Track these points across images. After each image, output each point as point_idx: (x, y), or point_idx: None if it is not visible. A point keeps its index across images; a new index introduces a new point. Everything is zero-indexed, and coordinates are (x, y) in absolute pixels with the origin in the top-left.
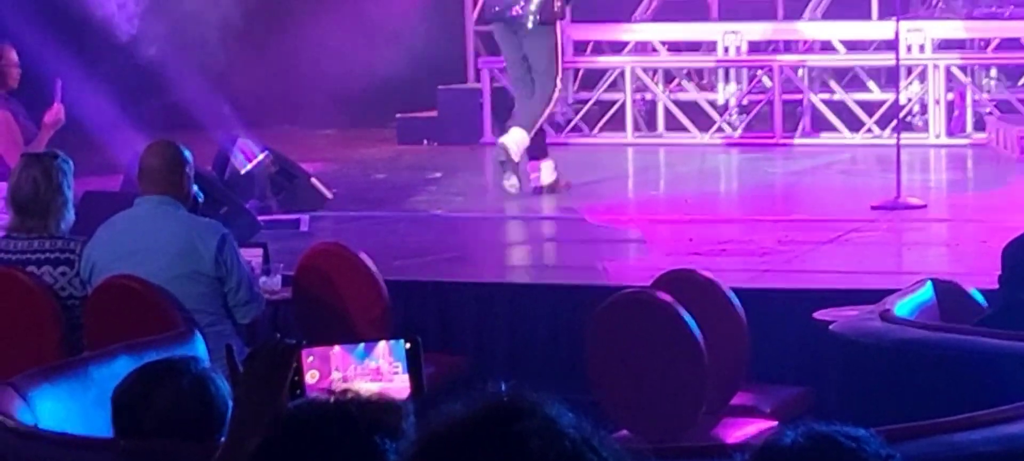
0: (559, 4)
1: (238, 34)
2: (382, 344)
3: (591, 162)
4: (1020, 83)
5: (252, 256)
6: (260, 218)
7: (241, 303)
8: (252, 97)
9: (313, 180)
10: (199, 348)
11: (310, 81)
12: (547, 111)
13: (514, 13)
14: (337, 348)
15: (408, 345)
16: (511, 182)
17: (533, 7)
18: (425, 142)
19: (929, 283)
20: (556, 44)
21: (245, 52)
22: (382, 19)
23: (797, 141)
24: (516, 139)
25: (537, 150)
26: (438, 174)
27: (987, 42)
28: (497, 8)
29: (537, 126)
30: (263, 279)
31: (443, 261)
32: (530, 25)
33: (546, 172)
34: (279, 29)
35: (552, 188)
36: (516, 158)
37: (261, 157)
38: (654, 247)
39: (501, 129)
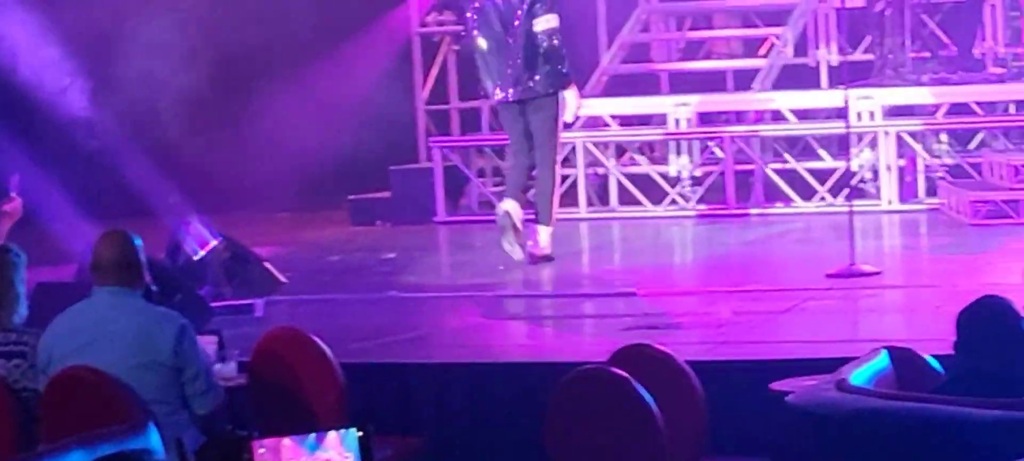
0: (565, 70)
1: (189, 118)
2: (333, 434)
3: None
4: (970, 147)
5: (207, 343)
6: (214, 304)
7: (199, 393)
8: (204, 181)
9: (267, 264)
10: (153, 440)
11: (262, 164)
12: (558, 181)
13: (522, 91)
14: (288, 440)
15: (360, 434)
16: (513, 249)
17: (524, 81)
18: (378, 222)
19: (885, 351)
20: (558, 115)
21: (197, 136)
22: (333, 101)
23: (750, 211)
24: (513, 208)
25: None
26: (392, 254)
27: (936, 107)
28: (501, 93)
29: (556, 199)
30: (218, 366)
31: (399, 342)
32: (524, 96)
33: (544, 237)
34: (230, 113)
35: (548, 257)
36: (519, 224)
37: (214, 243)
38: (610, 322)
39: (454, 207)
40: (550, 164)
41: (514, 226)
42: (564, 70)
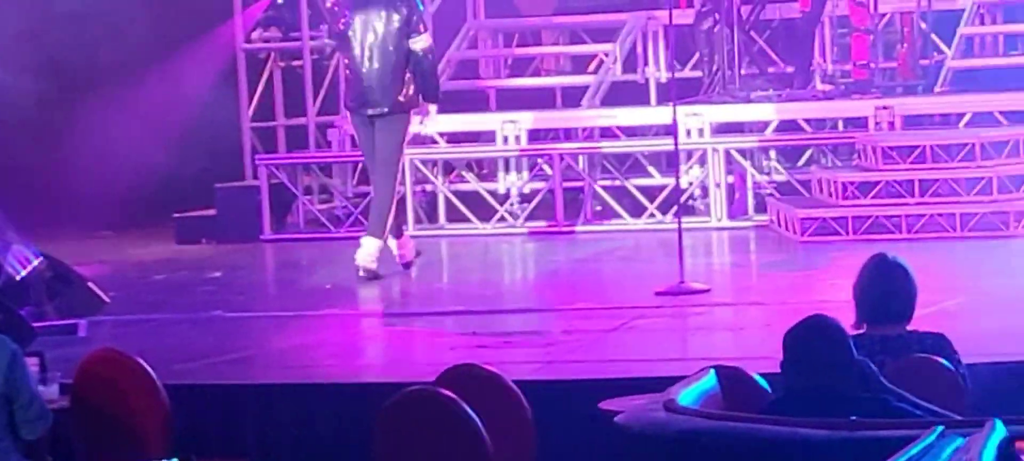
0: (412, 94)
1: (8, 132)
2: None
3: None
4: (799, 164)
5: (29, 364)
6: (36, 325)
7: (31, 419)
8: (24, 197)
9: (90, 284)
10: None
11: (85, 180)
12: (393, 204)
13: (372, 105)
14: None
15: None
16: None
17: (388, 96)
18: (203, 241)
19: (713, 371)
20: (403, 136)
21: (16, 150)
22: (158, 116)
23: (580, 228)
24: (369, 252)
25: (396, 229)
26: (218, 273)
27: (765, 124)
28: (354, 102)
29: (390, 217)
30: (40, 388)
31: (225, 363)
32: (385, 110)
33: (407, 247)
34: (52, 127)
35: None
36: (375, 266)
37: (36, 263)
38: (438, 340)
39: (280, 225)
40: (391, 178)
41: (374, 274)
42: (436, 88)
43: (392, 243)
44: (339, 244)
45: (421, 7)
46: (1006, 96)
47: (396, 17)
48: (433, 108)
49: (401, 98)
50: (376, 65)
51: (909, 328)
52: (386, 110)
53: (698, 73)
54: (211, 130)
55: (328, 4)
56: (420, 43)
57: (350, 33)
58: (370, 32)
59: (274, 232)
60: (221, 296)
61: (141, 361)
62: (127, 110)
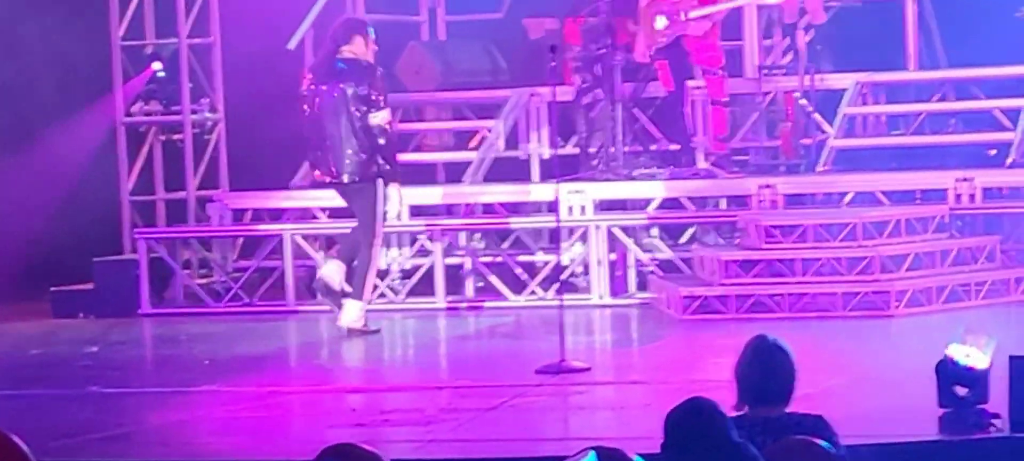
0: (380, 163)
1: None
2: None
3: (252, 331)
4: (682, 242)
5: None
6: None
7: None
8: None
9: None
10: None
11: None
12: (373, 268)
13: (338, 175)
14: None
15: None
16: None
17: (349, 166)
18: (81, 315)
19: (592, 452)
20: (375, 203)
21: None
22: (35, 189)
23: (461, 305)
24: (352, 316)
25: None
26: (95, 348)
27: (648, 201)
28: (320, 174)
29: (369, 285)
30: None
31: (102, 439)
32: (346, 180)
33: (352, 312)
34: None
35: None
36: (360, 325)
37: None
38: (317, 418)
39: (159, 300)
40: (368, 246)
41: (329, 287)
42: (391, 164)
43: (351, 307)
44: (218, 319)
45: (381, 80)
46: (888, 176)
47: (356, 90)
48: (393, 190)
49: (366, 168)
50: (340, 137)
51: (789, 410)
52: (356, 180)
53: (580, 150)
54: (90, 203)
55: (303, 88)
56: (377, 119)
57: (317, 102)
58: (334, 105)
59: (153, 306)
60: (98, 371)
61: (15, 438)
62: (4, 184)
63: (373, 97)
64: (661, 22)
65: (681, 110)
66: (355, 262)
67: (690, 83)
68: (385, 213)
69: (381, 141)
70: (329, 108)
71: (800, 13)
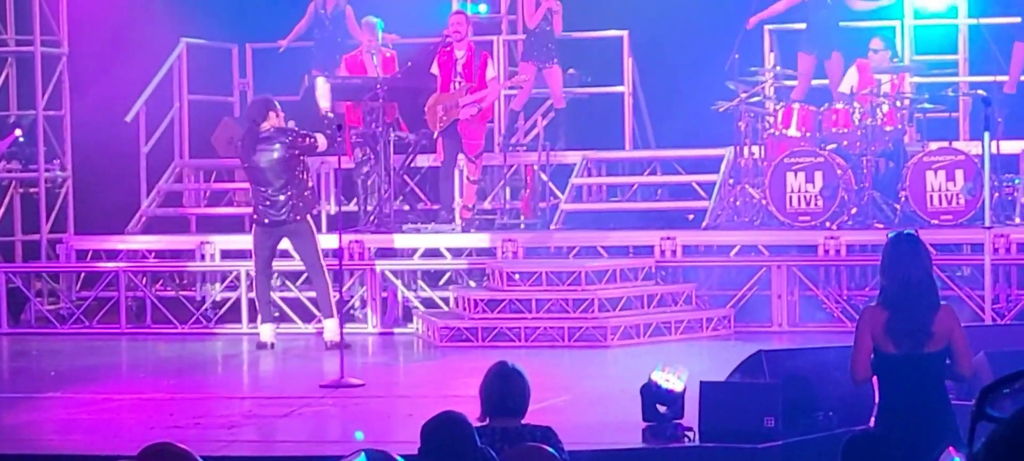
0: (308, 199)
1: None
2: None
3: (90, 349)
4: (441, 284)
5: None
6: None
7: None
8: None
9: None
10: None
11: None
12: (330, 285)
13: (272, 217)
14: None
15: None
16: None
17: (287, 210)
18: None
19: (363, 453)
20: (314, 235)
21: None
22: None
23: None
24: (332, 329)
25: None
26: None
27: (414, 251)
28: (259, 216)
29: (332, 297)
30: None
31: None
32: (288, 219)
33: (332, 329)
34: None
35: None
36: (338, 338)
37: None
38: (141, 420)
39: (15, 321)
40: (322, 272)
41: (272, 345)
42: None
43: (330, 325)
44: (63, 338)
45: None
46: (607, 234)
47: (279, 146)
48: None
49: (299, 208)
50: (275, 185)
51: (523, 421)
52: (298, 219)
53: (359, 208)
54: None
55: (236, 144)
56: (319, 140)
57: (252, 165)
58: (263, 163)
59: (10, 327)
60: None
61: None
62: None
63: (297, 141)
64: (440, 110)
65: (449, 178)
66: (315, 288)
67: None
68: None
69: (310, 185)
70: (266, 169)
71: (543, 101)
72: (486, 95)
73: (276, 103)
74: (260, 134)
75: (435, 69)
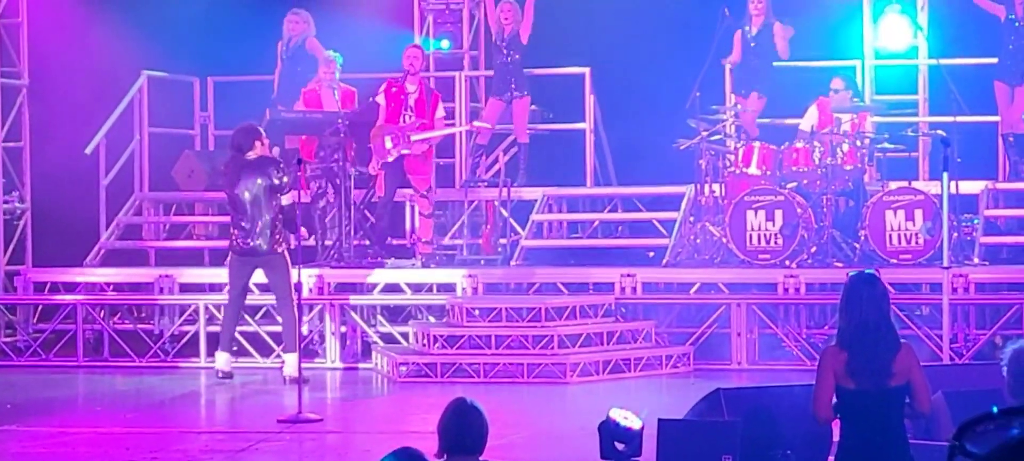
0: (287, 237)
1: None
2: None
3: (47, 381)
4: (401, 318)
5: None
6: None
7: None
8: None
9: None
10: None
11: None
12: (296, 320)
13: (250, 246)
14: None
15: None
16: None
17: (263, 241)
18: None
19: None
20: (288, 270)
21: None
22: None
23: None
24: (292, 364)
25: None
26: None
27: (374, 286)
28: (239, 247)
29: (297, 332)
30: None
31: None
32: (264, 249)
33: (292, 364)
34: None
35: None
36: (296, 374)
37: None
38: (94, 457)
39: None
40: (291, 305)
41: (229, 375)
42: (296, 236)
43: (290, 360)
44: (20, 371)
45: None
46: (567, 270)
47: (264, 176)
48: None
49: (277, 242)
50: (254, 216)
51: (482, 459)
52: (276, 251)
53: (317, 243)
54: None
55: (219, 170)
56: (286, 199)
57: (235, 193)
58: (246, 192)
59: None
60: None
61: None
62: None
63: (277, 184)
64: (388, 142)
65: (387, 215)
66: (281, 320)
67: (405, 191)
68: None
69: (288, 215)
70: (249, 200)
71: (504, 136)
72: (436, 134)
73: (262, 131)
74: (245, 163)
75: (381, 98)
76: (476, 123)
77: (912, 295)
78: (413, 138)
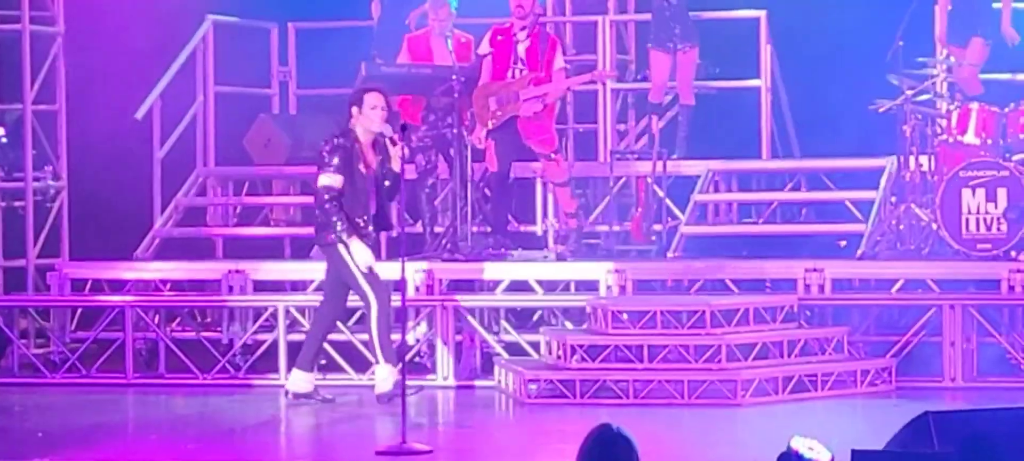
0: (340, 227)
1: None
2: None
3: (87, 404)
4: (529, 325)
5: None
6: None
7: None
8: None
9: None
10: None
11: None
12: (379, 320)
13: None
14: None
15: None
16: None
17: (318, 236)
18: None
19: None
20: (344, 262)
21: None
22: None
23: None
24: (384, 376)
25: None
26: None
27: (496, 283)
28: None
29: (385, 336)
30: None
31: None
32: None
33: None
34: None
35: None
36: (390, 389)
37: None
38: None
39: None
40: (367, 307)
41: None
42: (322, 228)
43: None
44: (54, 390)
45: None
46: (737, 264)
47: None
48: (355, 243)
49: (320, 232)
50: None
51: None
52: (321, 243)
53: (425, 229)
54: None
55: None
56: (320, 180)
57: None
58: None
59: None
60: None
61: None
62: None
63: (324, 158)
64: (492, 103)
65: (507, 193)
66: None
67: (523, 164)
68: (369, 268)
69: (325, 204)
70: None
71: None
72: (551, 89)
73: (366, 94)
74: None
75: (486, 48)
76: (596, 75)
77: None
78: (522, 96)
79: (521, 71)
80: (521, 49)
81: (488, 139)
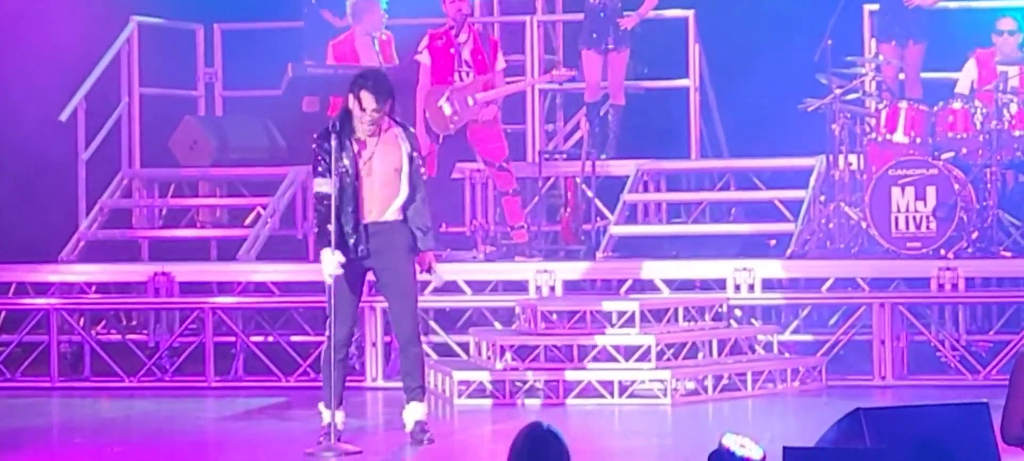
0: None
1: None
2: None
3: (11, 408)
4: (459, 326)
5: None
6: None
7: None
8: None
9: None
10: None
11: None
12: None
13: None
14: None
15: None
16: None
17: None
18: None
19: None
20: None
21: None
22: None
23: (229, 384)
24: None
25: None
26: None
27: (425, 285)
28: None
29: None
30: None
31: None
32: None
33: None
34: None
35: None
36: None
37: None
38: None
39: None
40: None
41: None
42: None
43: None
44: None
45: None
46: (667, 264)
47: None
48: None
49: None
50: None
51: None
52: None
53: None
54: None
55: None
56: (315, 186)
57: None
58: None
59: None
60: None
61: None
62: None
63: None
64: (447, 109)
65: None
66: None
67: (463, 166)
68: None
69: (320, 209)
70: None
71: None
72: (505, 90)
73: (351, 93)
74: None
75: (424, 57)
76: (551, 75)
77: None
78: (478, 97)
79: (468, 74)
80: (466, 52)
81: (432, 144)
